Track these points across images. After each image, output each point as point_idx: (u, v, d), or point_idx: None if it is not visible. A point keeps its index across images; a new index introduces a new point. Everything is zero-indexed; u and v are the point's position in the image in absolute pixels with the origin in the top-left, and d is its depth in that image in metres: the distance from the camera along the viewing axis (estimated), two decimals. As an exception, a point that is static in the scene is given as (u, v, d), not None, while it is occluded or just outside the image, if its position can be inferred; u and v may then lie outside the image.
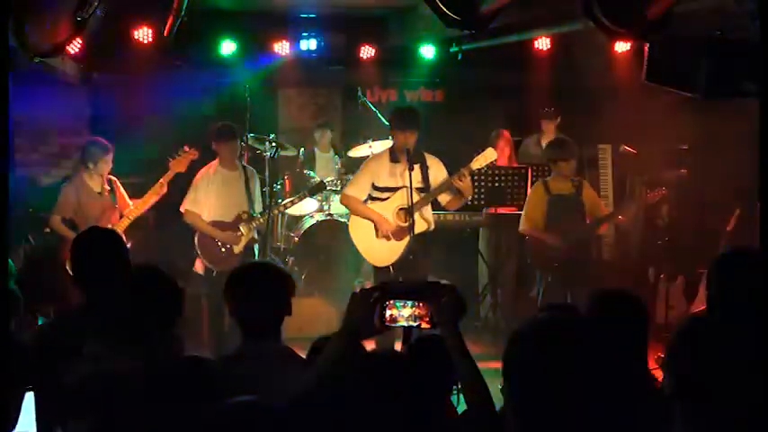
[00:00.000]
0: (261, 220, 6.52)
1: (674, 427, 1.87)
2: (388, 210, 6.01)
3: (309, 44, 8.41)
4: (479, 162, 5.96)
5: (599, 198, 6.71)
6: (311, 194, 6.98)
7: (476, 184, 6.55)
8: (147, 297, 2.76)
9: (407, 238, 5.95)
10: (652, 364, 3.88)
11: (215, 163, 6.51)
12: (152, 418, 2.03)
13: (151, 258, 7.38)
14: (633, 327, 2.78)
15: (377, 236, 6.01)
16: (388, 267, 6.02)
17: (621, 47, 7.78)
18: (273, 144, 7.48)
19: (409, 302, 2.34)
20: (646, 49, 4.22)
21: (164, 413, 2.01)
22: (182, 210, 6.45)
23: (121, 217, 6.31)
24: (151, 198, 6.35)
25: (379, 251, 6.04)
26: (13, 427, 2.35)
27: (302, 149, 8.15)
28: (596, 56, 8.00)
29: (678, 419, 1.85)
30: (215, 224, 6.44)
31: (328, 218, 7.60)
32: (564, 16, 7.11)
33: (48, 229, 6.36)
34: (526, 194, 6.94)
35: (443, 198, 6.07)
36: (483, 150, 6.03)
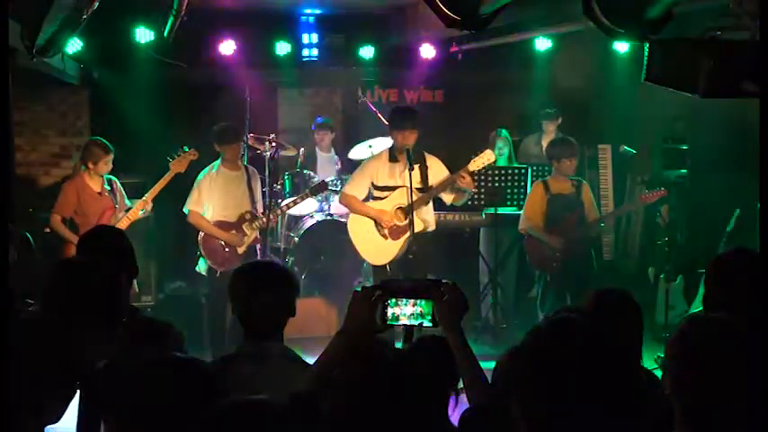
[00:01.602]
0: (264, 220, 6.53)
1: (674, 427, 1.87)
2: (386, 208, 6.02)
3: (310, 43, 8.42)
4: (477, 164, 5.97)
5: (594, 204, 6.73)
6: (313, 194, 6.98)
7: (476, 184, 6.56)
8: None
9: (404, 238, 5.96)
10: (652, 364, 3.89)
11: (218, 163, 6.52)
12: (142, 417, 2.02)
13: (151, 258, 7.43)
14: (628, 326, 2.79)
15: (379, 231, 6.02)
16: (385, 266, 6.04)
17: (621, 47, 7.79)
18: (273, 144, 7.49)
19: (411, 301, 2.34)
20: (646, 49, 4.22)
21: (153, 413, 2.00)
22: (185, 210, 6.46)
23: (121, 217, 6.31)
24: (137, 212, 6.31)
25: (377, 250, 6.05)
26: (56, 420, 2.35)
27: (302, 149, 8.16)
28: (596, 56, 8.01)
29: (678, 420, 1.85)
30: (218, 224, 6.44)
31: (328, 218, 7.61)
32: (564, 16, 7.11)
33: (48, 229, 6.36)
34: (526, 194, 6.95)
35: (447, 196, 6.08)
36: (481, 152, 6.05)
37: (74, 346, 2.35)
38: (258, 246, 6.65)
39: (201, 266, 6.56)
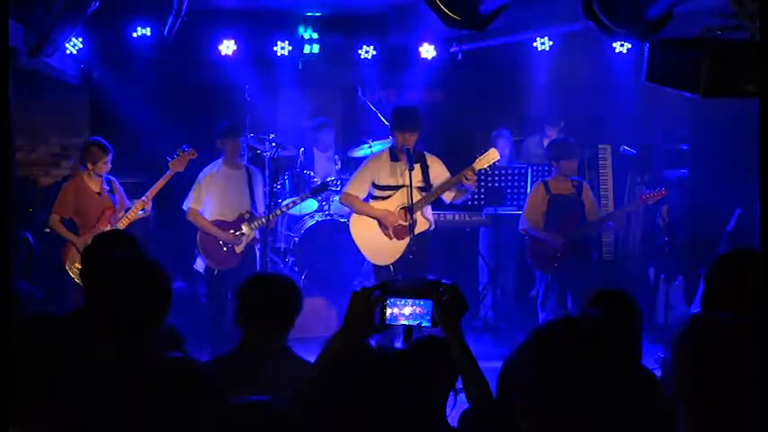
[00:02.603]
0: (263, 219, 6.53)
1: (676, 427, 1.86)
2: (389, 208, 6.02)
3: (310, 43, 8.42)
4: (482, 162, 5.97)
5: (595, 204, 6.74)
6: (314, 195, 6.97)
7: (476, 183, 6.56)
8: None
9: (409, 237, 5.95)
10: (652, 364, 3.88)
11: (219, 162, 6.53)
12: (130, 416, 2.01)
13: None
14: (628, 326, 2.79)
15: (383, 232, 6.01)
16: (388, 266, 6.03)
17: (621, 47, 7.79)
18: (273, 144, 7.48)
19: (410, 301, 2.34)
20: (646, 49, 4.22)
21: (143, 412, 2.00)
22: (184, 208, 6.47)
23: (121, 217, 6.32)
24: (136, 211, 6.30)
25: (381, 250, 6.04)
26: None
27: (302, 149, 8.16)
28: (596, 56, 8.00)
29: (680, 420, 1.85)
30: (217, 223, 6.45)
31: (328, 218, 7.60)
32: (564, 16, 7.11)
33: (47, 230, 6.37)
34: (526, 194, 6.95)
35: (448, 194, 6.08)
36: (486, 150, 6.05)
37: (107, 347, 2.35)
38: (257, 245, 6.66)
39: (199, 265, 6.57)
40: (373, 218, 6.04)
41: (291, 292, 2.96)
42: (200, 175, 6.51)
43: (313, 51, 8.42)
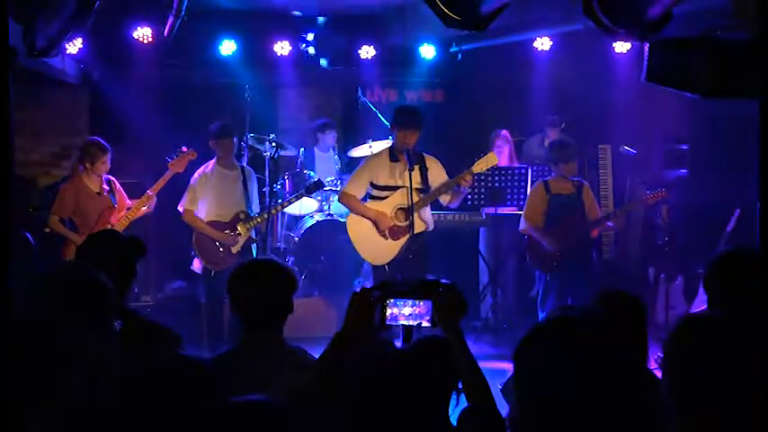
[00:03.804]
0: (258, 219, 6.53)
1: (672, 426, 1.86)
2: (386, 209, 6.02)
3: (310, 42, 8.42)
4: (481, 166, 5.97)
5: (596, 203, 6.73)
6: (308, 193, 6.98)
7: (476, 183, 6.57)
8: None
9: (404, 238, 5.95)
10: (652, 364, 3.89)
11: (212, 162, 6.53)
12: (141, 416, 2.01)
13: (151, 258, 7.43)
14: (633, 326, 2.78)
15: (378, 233, 6.01)
16: (384, 266, 6.03)
17: (621, 47, 7.79)
18: (273, 144, 7.49)
19: (410, 301, 2.34)
20: (646, 49, 4.22)
21: (152, 412, 1.99)
22: (180, 209, 6.47)
23: (122, 216, 6.32)
24: (140, 207, 6.31)
25: (376, 250, 6.04)
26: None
27: (302, 149, 8.16)
28: (596, 56, 8.00)
29: (675, 419, 1.85)
30: (212, 224, 6.45)
31: (328, 218, 7.61)
32: (564, 16, 7.11)
33: (47, 230, 6.37)
34: (526, 194, 6.95)
35: (444, 197, 6.09)
36: (485, 154, 6.05)
37: (60, 347, 2.35)
38: (254, 245, 6.66)
39: (196, 266, 6.57)
40: (368, 219, 6.03)
41: (282, 271, 2.93)
42: (194, 176, 6.50)
43: (312, 51, 8.42)
